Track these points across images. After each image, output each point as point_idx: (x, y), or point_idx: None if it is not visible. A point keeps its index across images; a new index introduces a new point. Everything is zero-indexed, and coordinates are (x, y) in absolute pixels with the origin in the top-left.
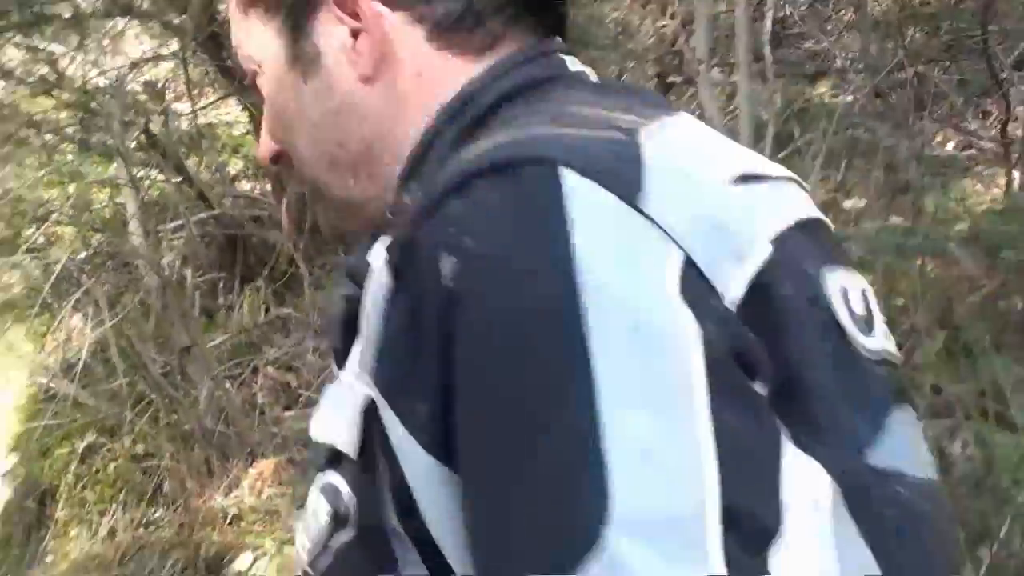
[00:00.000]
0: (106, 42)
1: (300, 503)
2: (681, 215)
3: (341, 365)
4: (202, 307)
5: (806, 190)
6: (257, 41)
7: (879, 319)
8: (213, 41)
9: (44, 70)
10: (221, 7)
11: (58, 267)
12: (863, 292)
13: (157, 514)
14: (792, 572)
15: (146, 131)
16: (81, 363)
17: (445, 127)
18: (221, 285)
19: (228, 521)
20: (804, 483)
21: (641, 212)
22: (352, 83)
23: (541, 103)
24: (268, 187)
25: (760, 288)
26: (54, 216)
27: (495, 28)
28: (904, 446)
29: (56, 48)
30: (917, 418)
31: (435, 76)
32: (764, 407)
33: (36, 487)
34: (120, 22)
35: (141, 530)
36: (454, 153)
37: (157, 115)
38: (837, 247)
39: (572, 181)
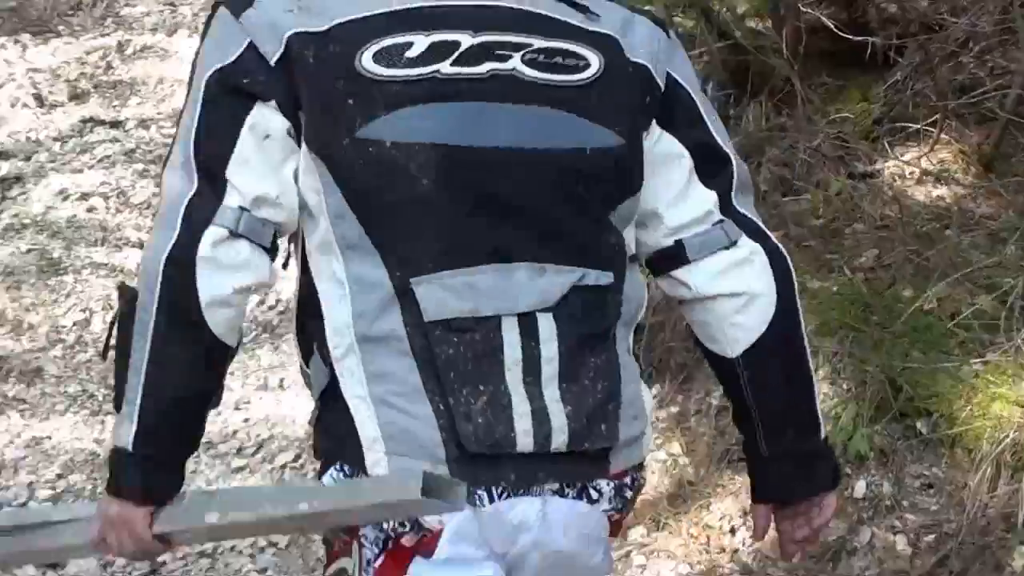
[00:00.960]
0: None
1: None
2: (259, 22)
3: None
4: (720, 115)
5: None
6: None
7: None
8: None
9: None
10: None
11: None
12: (470, 43)
13: None
14: (232, 187)
15: None
16: None
17: None
18: (733, 99)
19: None
20: (263, 142)
21: (237, 21)
22: None
23: None
24: (770, 23)
25: (288, 56)
26: None
27: None
28: (401, 125)
29: None
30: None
31: None
32: (241, 109)
33: None
34: None
35: None
36: None
37: None
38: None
39: (220, 11)
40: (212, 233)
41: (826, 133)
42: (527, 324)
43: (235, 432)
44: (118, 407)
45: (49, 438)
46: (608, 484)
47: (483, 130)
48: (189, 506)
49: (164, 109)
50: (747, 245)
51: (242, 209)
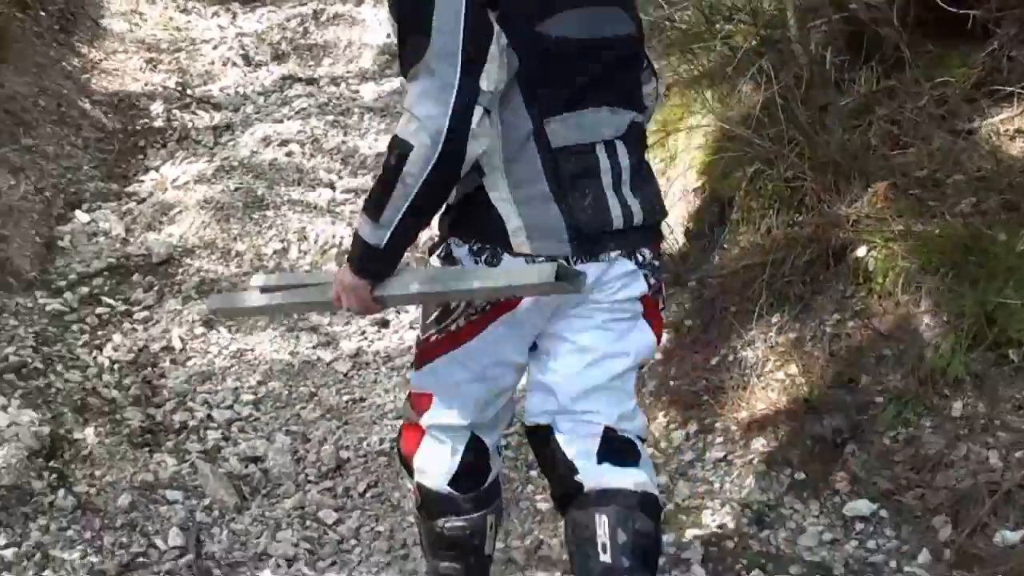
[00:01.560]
0: None
1: None
2: None
3: None
4: (836, 79)
5: None
6: None
7: None
8: None
9: None
10: None
11: (740, 52)
12: None
13: (800, 219)
14: (485, 75)
15: None
16: (754, 116)
17: None
18: (847, 64)
19: (850, 224)
20: (498, 43)
21: None
22: None
23: None
24: None
25: None
26: (736, 17)
27: None
28: (573, 25)
29: None
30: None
31: None
32: (487, 15)
33: (719, 199)
34: None
35: (789, 229)
36: None
37: None
38: None
39: None
40: (478, 112)
41: (930, 95)
42: (611, 148)
43: (410, 348)
44: (375, 218)
45: (252, 350)
46: (649, 252)
47: (595, 27)
48: (401, 278)
49: (352, 68)
50: (653, 82)
51: (491, 92)
